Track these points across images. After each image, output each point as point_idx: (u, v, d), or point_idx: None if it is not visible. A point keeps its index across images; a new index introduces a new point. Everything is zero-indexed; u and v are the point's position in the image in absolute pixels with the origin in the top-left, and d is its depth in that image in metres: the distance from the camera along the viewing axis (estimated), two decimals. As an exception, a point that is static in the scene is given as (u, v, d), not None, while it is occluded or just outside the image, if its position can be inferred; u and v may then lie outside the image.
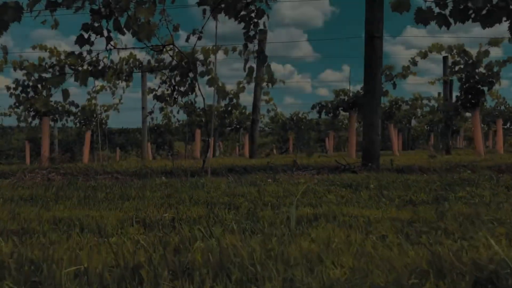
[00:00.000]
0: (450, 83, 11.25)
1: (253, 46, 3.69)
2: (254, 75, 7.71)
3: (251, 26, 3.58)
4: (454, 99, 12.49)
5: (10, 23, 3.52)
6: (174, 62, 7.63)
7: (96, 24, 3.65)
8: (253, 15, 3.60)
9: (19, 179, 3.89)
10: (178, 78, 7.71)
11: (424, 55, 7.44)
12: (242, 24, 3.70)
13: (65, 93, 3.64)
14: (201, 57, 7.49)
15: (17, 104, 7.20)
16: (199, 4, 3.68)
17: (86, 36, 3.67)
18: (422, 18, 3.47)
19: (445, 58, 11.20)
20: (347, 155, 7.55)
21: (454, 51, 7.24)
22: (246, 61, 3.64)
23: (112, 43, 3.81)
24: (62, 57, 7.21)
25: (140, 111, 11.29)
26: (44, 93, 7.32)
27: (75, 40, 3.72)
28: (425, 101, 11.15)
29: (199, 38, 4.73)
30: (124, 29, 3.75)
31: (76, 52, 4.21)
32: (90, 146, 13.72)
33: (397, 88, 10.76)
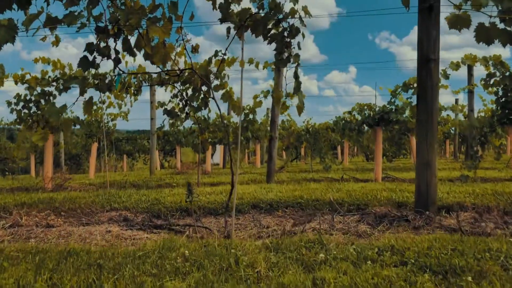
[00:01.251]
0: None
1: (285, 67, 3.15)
2: (271, 92, 7.19)
3: (284, 48, 3.04)
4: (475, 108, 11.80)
5: (2, 44, 3.02)
6: (186, 75, 7.13)
7: (102, 45, 3.13)
8: (285, 34, 3.06)
9: (13, 222, 3.39)
10: (190, 92, 7.20)
11: (456, 67, 6.85)
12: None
13: (67, 125, 3.14)
14: (214, 69, 6.98)
15: (18, 120, 6.73)
16: (221, 21, 3.15)
17: (90, 58, 3.17)
18: (485, 36, 2.91)
19: (470, 67, 10.60)
20: (374, 175, 6.99)
21: (490, 62, 6.65)
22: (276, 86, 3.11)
23: (121, 65, 3.30)
24: (67, 69, 6.73)
25: (149, 118, 10.81)
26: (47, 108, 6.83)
27: (78, 63, 3.22)
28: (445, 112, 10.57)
29: (223, 61, 4.19)
30: (135, 49, 3.25)
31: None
32: (97, 153, 13.29)
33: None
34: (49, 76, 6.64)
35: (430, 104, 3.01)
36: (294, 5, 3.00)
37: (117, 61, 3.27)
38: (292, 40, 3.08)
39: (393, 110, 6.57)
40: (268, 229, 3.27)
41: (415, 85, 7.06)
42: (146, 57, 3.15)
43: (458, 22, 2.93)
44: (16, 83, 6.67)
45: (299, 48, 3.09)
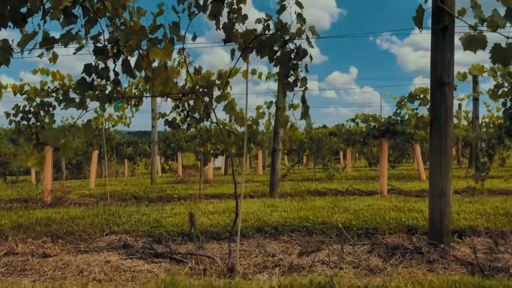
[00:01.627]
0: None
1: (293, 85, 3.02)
2: (275, 100, 7.05)
3: (291, 70, 2.90)
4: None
5: (-4, 67, 2.90)
6: (188, 86, 7.00)
7: (101, 66, 2.99)
8: (292, 55, 2.93)
9: (8, 250, 3.25)
10: (192, 103, 7.09)
11: (463, 78, 6.71)
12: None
13: (65, 149, 3.00)
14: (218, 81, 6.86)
15: (17, 131, 6.60)
16: (225, 42, 3.02)
17: (89, 79, 3.04)
18: (501, 57, 2.78)
19: (475, 76, 10.48)
20: (380, 187, 6.85)
21: (498, 73, 6.50)
22: (282, 109, 2.98)
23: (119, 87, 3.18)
24: (66, 80, 6.60)
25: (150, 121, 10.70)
26: (47, 119, 6.72)
27: (75, 86, 3.09)
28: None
29: (226, 83, 4.08)
30: (135, 71, 3.11)
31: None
32: (98, 158, 13.14)
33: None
34: (48, 87, 6.52)
35: (444, 129, 2.87)
36: (302, 26, 2.87)
37: (116, 83, 3.14)
38: (299, 62, 2.95)
39: (399, 121, 6.43)
40: (274, 257, 3.13)
41: (421, 95, 6.93)
42: (147, 79, 3.02)
43: (474, 43, 2.80)
44: (15, 94, 6.55)
45: (307, 71, 2.96)
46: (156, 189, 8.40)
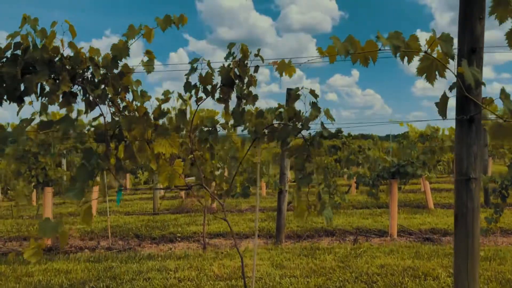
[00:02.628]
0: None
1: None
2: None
3: (306, 163, 2.71)
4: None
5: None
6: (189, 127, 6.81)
7: (101, 160, 2.78)
8: (306, 142, 2.74)
9: None
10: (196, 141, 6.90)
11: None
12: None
13: (63, 237, 2.82)
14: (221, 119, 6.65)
15: (16, 173, 6.42)
16: (234, 126, 2.83)
17: (89, 167, 2.85)
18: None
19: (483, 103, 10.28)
20: (390, 230, 6.65)
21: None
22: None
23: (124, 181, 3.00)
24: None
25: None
26: (47, 160, 6.54)
27: (76, 172, 2.90)
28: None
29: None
30: (138, 156, 2.91)
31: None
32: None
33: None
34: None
35: (471, 229, 2.66)
36: (316, 116, 2.68)
37: (119, 169, 2.95)
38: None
39: (410, 163, 6.24)
40: None
41: (431, 133, 6.73)
42: (151, 171, 2.82)
43: (501, 132, 2.62)
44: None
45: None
46: (159, 222, 8.21)
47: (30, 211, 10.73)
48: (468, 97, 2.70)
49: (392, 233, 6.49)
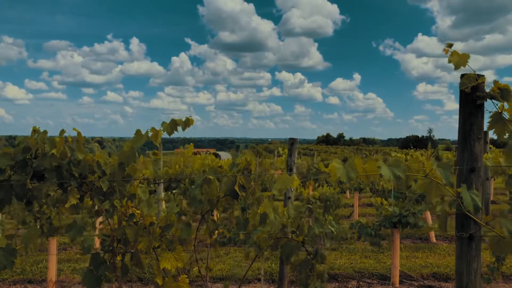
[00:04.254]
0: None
1: None
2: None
3: (309, 276, 2.76)
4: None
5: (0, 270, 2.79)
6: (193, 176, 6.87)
7: (108, 271, 2.82)
8: (309, 257, 2.79)
9: None
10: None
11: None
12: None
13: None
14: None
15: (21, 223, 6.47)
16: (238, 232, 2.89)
17: (96, 273, 2.90)
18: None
19: (485, 132, 10.31)
20: (392, 278, 6.69)
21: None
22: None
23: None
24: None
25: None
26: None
27: (82, 278, 2.95)
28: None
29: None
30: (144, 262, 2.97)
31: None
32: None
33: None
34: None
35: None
36: (322, 229, 2.74)
37: (125, 273, 3.00)
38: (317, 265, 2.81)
39: (411, 214, 6.28)
40: None
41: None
42: (157, 286, 2.87)
43: (502, 246, 2.69)
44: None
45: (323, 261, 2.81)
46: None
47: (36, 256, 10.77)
48: (468, 215, 2.76)
49: (394, 282, 6.53)
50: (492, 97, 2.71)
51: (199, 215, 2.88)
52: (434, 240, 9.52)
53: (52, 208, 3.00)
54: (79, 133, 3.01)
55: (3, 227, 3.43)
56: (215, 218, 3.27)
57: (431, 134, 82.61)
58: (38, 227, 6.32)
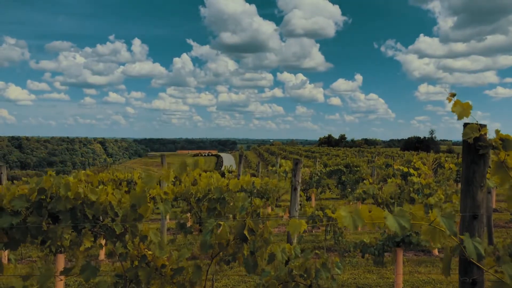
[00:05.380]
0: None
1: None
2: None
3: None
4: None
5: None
6: (198, 194, 6.98)
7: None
8: None
9: None
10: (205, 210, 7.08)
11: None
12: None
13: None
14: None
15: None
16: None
17: None
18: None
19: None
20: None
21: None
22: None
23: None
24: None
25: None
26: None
27: None
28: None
29: None
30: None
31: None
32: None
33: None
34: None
35: None
36: (329, 273, 2.82)
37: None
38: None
39: (414, 233, 6.36)
40: None
41: (435, 203, 6.85)
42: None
43: None
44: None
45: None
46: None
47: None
48: (471, 261, 2.84)
49: (397, 302, 6.60)
50: (494, 147, 2.78)
51: (209, 258, 2.97)
52: (436, 253, 9.58)
53: (68, 250, 3.07)
54: (91, 175, 3.10)
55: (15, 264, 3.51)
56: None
57: (433, 136, 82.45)
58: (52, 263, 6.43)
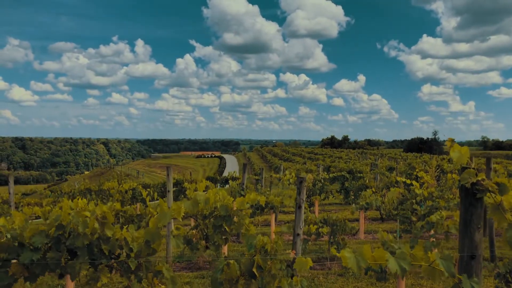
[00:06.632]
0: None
1: None
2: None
3: None
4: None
5: None
6: (205, 211, 7.13)
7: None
8: None
9: None
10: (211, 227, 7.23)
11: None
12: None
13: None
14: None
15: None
16: None
17: None
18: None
19: (488, 159, 10.47)
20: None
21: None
22: None
23: None
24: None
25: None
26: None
27: None
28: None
29: None
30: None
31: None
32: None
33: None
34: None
35: None
36: None
37: None
38: None
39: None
40: None
41: (436, 220, 6.98)
42: None
43: None
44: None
45: None
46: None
47: None
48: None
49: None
50: (490, 191, 2.92)
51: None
52: (438, 264, 9.70)
53: (85, 286, 3.23)
54: (108, 212, 3.26)
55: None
56: None
57: (436, 136, 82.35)
58: None
